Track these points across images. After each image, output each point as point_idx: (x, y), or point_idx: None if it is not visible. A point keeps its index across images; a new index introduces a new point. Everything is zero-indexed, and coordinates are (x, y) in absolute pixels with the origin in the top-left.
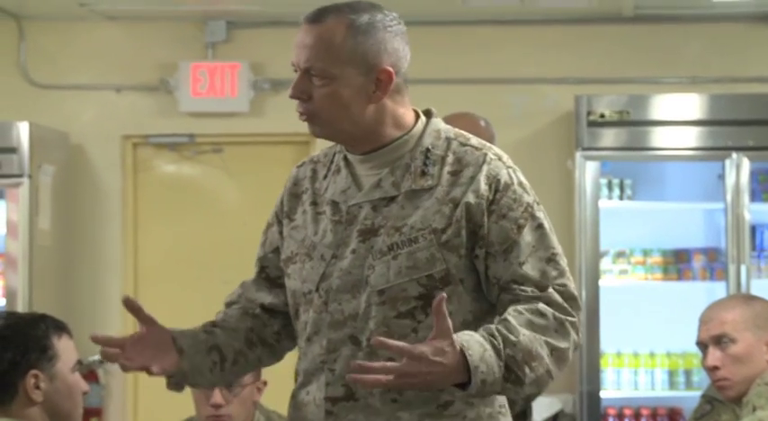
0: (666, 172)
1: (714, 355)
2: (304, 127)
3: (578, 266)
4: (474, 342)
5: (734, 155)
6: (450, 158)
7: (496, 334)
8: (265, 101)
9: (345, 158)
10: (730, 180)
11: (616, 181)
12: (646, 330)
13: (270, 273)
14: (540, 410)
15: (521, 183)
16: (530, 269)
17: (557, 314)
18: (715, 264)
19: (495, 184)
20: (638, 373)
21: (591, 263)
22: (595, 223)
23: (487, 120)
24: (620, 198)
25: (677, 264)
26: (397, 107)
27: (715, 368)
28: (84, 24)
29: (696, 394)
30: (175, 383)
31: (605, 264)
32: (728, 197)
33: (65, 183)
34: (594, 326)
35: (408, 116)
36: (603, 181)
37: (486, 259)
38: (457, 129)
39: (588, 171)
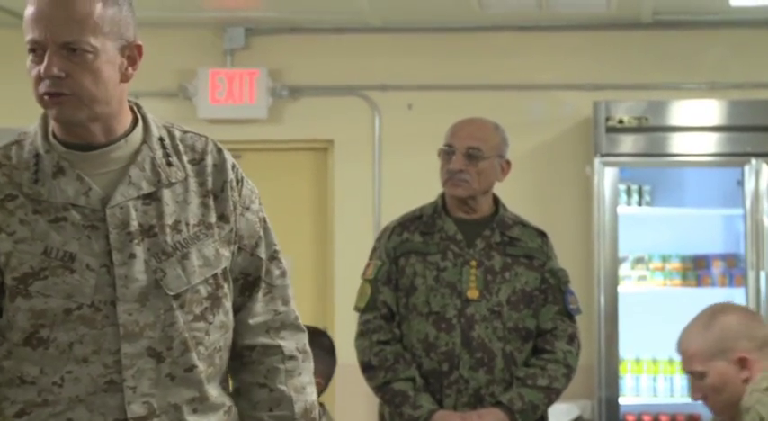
0: (685, 178)
1: (696, 387)
2: (323, 133)
3: (597, 272)
4: None
5: (753, 161)
6: (181, 147)
7: None
8: (284, 107)
9: (62, 157)
10: (749, 186)
11: (635, 187)
12: (665, 336)
13: None
14: (558, 416)
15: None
16: (270, 266)
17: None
18: (734, 270)
19: (236, 173)
20: (657, 380)
21: (609, 269)
22: (614, 229)
23: (498, 124)
24: (639, 204)
25: (696, 270)
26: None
27: (703, 398)
28: None
29: None
30: None
31: (624, 270)
32: (748, 203)
33: None
34: (613, 332)
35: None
36: (622, 187)
37: (239, 254)
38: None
39: (607, 177)
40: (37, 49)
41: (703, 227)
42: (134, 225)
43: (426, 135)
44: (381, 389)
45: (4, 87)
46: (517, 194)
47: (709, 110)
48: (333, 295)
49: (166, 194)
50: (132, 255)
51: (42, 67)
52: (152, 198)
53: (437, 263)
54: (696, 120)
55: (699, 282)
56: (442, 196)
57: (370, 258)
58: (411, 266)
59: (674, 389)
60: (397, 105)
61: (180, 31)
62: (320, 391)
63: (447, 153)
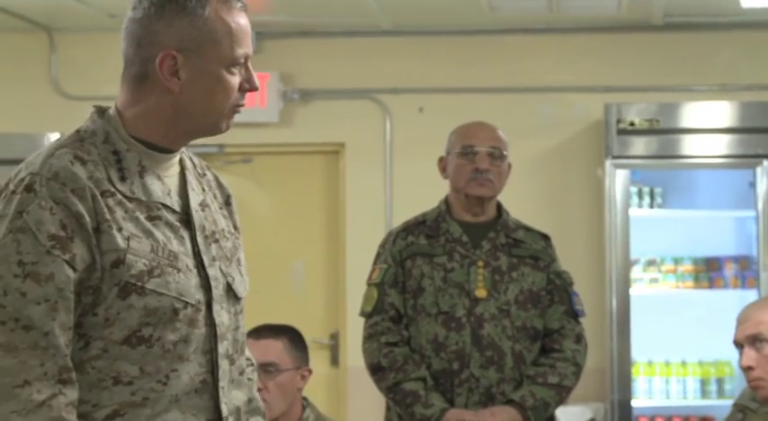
0: (697, 180)
1: (749, 355)
2: (333, 137)
3: (609, 275)
4: None
5: (765, 162)
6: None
7: None
8: (295, 111)
9: (143, 156)
10: (761, 187)
11: (646, 189)
12: (677, 339)
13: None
14: (570, 419)
15: None
16: None
17: None
18: (746, 272)
19: (226, 187)
20: (669, 382)
21: (621, 271)
22: (626, 232)
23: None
24: (651, 206)
25: (708, 272)
26: None
27: (749, 368)
28: (115, 36)
29: (728, 403)
30: None
31: (636, 272)
32: (760, 205)
33: None
34: (625, 334)
35: None
36: (634, 189)
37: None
38: None
39: (618, 179)
40: (244, 62)
41: (715, 228)
42: (207, 229)
43: (438, 138)
44: (392, 390)
45: (19, 92)
46: (529, 197)
47: (721, 111)
48: (344, 298)
49: (210, 202)
50: (213, 258)
51: (253, 79)
52: (204, 204)
53: (444, 264)
54: (708, 122)
55: (711, 284)
56: (446, 201)
57: (375, 263)
58: (418, 268)
59: (687, 392)
60: (408, 108)
61: None
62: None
63: (468, 154)
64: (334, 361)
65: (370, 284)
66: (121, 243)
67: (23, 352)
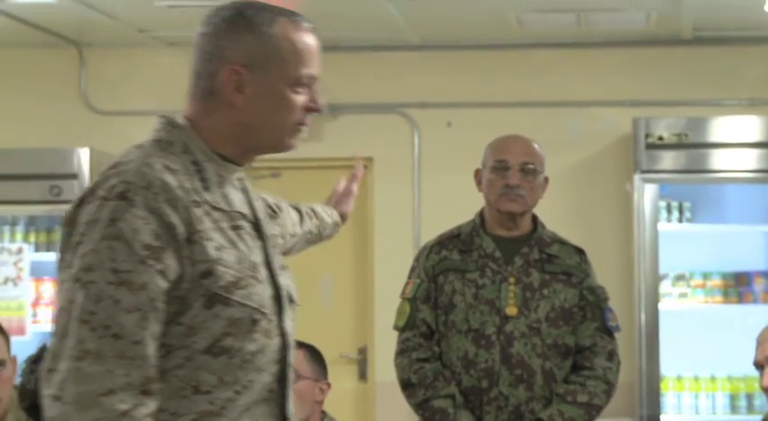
0: (726, 194)
1: None
2: (362, 151)
3: (637, 290)
4: None
5: None
6: None
7: None
8: (323, 125)
9: (220, 167)
10: None
11: (675, 204)
12: (706, 354)
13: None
14: None
15: None
16: None
17: None
18: None
19: None
20: (698, 397)
21: (650, 286)
22: (654, 246)
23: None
24: (680, 221)
25: (737, 287)
26: None
27: None
28: (144, 51)
29: (757, 418)
30: None
31: (665, 287)
32: None
33: None
34: (654, 349)
35: None
36: (662, 204)
37: None
38: None
39: (647, 194)
40: (309, 82)
41: (744, 243)
42: (272, 239)
43: (466, 152)
44: (421, 407)
45: (49, 107)
46: (557, 211)
47: (750, 126)
48: (373, 313)
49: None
50: (281, 267)
51: (317, 100)
52: (264, 214)
53: (476, 280)
54: (736, 137)
55: (740, 299)
56: (481, 214)
57: (409, 277)
58: (450, 284)
59: (716, 407)
60: (436, 123)
61: None
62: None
63: (500, 169)
64: (362, 375)
65: (403, 299)
66: (212, 253)
67: (110, 360)
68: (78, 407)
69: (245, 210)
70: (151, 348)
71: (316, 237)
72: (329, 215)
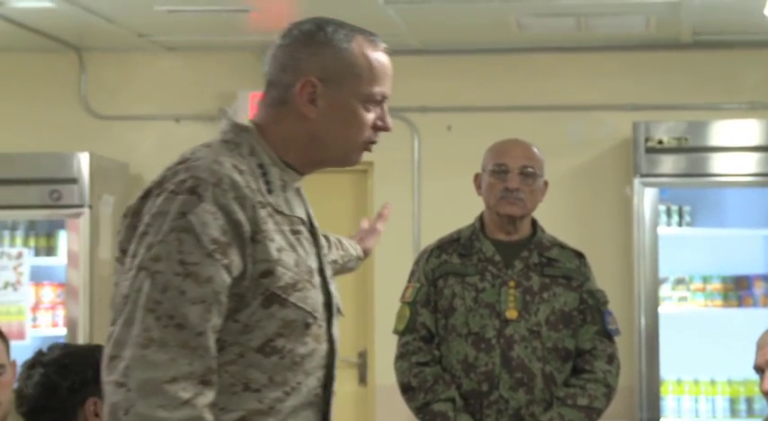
0: (726, 198)
1: None
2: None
3: (637, 293)
4: None
5: None
6: None
7: None
8: None
9: (283, 172)
10: None
11: (675, 207)
12: (706, 357)
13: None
14: None
15: None
16: None
17: None
18: None
19: None
20: (698, 401)
21: (650, 290)
22: (654, 250)
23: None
24: (680, 225)
25: (737, 290)
26: None
27: None
28: (144, 55)
29: None
30: None
31: (665, 290)
32: None
33: None
34: (654, 353)
35: None
36: (662, 207)
37: None
38: None
39: (647, 198)
40: (381, 101)
41: (744, 247)
42: (322, 245)
43: (466, 157)
44: (421, 411)
45: (48, 112)
46: (557, 215)
47: (750, 130)
48: (372, 317)
49: None
50: (331, 277)
51: (386, 119)
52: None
53: (476, 284)
54: (736, 141)
55: (740, 303)
56: (480, 218)
57: (409, 281)
58: (450, 288)
59: (716, 411)
60: (436, 127)
61: (220, 54)
62: None
63: (500, 172)
64: (362, 379)
65: (403, 303)
66: (274, 254)
67: (173, 349)
68: (143, 393)
69: (304, 217)
70: (212, 340)
71: (339, 268)
72: (354, 248)
